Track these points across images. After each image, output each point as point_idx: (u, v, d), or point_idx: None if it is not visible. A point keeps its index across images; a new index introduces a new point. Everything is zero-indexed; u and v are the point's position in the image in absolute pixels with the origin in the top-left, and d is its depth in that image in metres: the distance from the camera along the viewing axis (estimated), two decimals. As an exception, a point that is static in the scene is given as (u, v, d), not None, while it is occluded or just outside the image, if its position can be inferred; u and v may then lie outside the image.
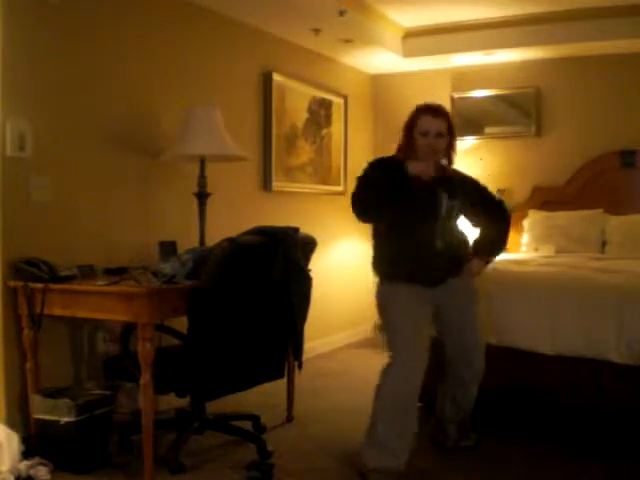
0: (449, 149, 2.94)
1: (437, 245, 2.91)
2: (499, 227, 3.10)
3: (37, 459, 2.73)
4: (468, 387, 3.07)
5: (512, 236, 5.51)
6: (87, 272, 3.05)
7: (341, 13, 4.43)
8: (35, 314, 2.88)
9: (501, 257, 4.98)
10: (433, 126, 2.86)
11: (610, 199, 5.08)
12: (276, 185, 4.75)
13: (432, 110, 2.90)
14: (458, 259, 3.01)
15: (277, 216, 4.54)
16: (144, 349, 2.70)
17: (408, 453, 2.79)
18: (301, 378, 3.64)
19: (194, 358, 2.83)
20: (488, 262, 3.11)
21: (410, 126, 2.90)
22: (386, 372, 2.85)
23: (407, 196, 2.80)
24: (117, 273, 3.09)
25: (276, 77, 4.72)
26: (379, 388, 2.86)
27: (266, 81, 4.67)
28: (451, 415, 3.14)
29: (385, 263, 2.98)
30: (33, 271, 2.88)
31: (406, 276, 2.89)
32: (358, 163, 5.74)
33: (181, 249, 3.34)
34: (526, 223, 5.30)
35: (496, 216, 3.10)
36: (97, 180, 3.38)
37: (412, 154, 2.86)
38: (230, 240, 2.81)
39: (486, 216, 3.10)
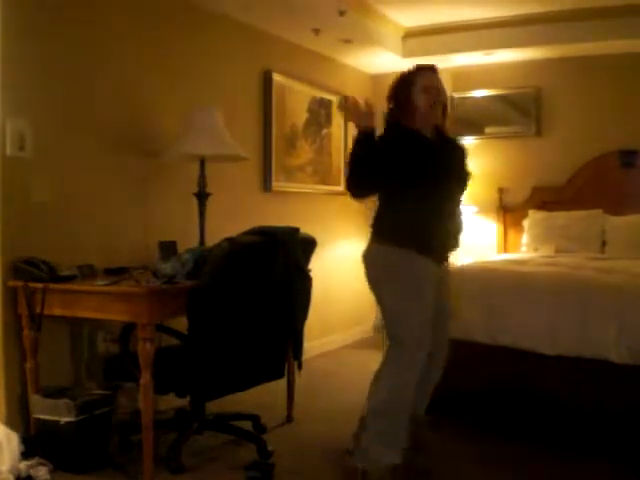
0: (445, 114, 2.76)
1: (457, 214, 2.72)
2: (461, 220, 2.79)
3: (37, 459, 2.73)
4: (427, 387, 2.83)
5: (512, 236, 5.58)
6: (87, 272, 3.05)
7: (341, 13, 4.43)
8: (35, 314, 2.88)
9: (501, 257, 5.00)
10: (434, 81, 2.68)
11: (610, 199, 5.09)
12: (276, 185, 4.75)
13: (430, 67, 2.72)
14: (457, 238, 2.76)
15: (277, 216, 4.54)
16: (144, 349, 2.70)
17: None
18: (301, 378, 3.64)
19: (194, 358, 2.83)
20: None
21: (407, 87, 2.66)
22: (398, 360, 2.59)
23: (429, 157, 2.61)
24: (117, 273, 3.09)
25: (276, 77, 4.72)
26: (394, 378, 2.62)
27: (266, 81, 4.67)
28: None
29: (401, 228, 2.63)
30: (33, 271, 2.88)
31: (421, 245, 2.61)
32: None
33: (181, 249, 3.34)
34: (526, 223, 5.31)
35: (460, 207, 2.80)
36: (97, 180, 3.38)
37: (410, 119, 2.66)
38: (230, 240, 2.81)
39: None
